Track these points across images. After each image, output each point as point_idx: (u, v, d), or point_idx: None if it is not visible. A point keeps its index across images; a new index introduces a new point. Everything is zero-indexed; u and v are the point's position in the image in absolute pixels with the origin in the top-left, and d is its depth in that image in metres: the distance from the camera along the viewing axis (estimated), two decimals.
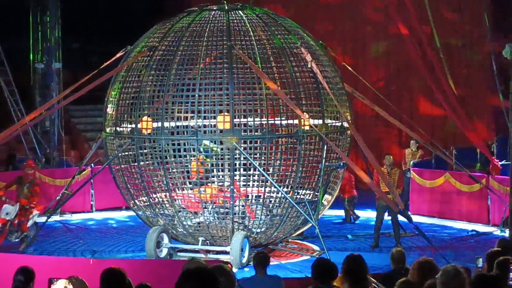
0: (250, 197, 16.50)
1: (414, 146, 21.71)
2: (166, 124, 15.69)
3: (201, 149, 15.92)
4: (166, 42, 16.29)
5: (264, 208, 16.05)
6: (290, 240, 17.66)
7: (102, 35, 29.14)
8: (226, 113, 15.65)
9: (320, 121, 16.01)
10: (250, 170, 16.34)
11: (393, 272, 9.71)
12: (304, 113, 15.72)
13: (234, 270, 13.84)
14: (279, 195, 16.02)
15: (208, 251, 16.06)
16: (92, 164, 20.85)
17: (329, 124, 16.24)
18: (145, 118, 16.04)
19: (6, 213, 17.07)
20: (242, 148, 15.58)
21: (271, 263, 10.80)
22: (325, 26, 26.39)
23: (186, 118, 15.80)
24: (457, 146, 22.85)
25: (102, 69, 17.15)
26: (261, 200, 16.08)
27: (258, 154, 16.17)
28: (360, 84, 19.93)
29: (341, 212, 21.00)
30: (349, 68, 18.63)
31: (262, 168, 15.72)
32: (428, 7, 20.39)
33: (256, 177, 16.45)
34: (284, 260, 16.38)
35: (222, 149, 15.85)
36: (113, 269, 6.63)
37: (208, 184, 16.10)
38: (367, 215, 20.66)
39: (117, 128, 16.33)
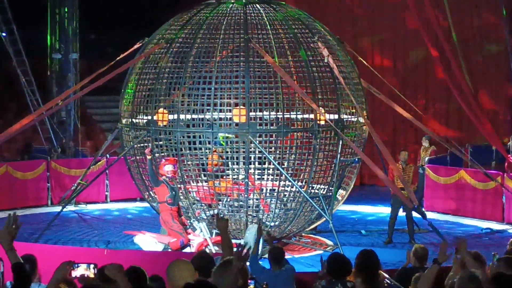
0: (264, 191, 16.53)
1: (426, 142, 21.61)
2: (182, 116, 15.72)
3: (217, 141, 15.95)
4: (183, 35, 16.31)
5: (278, 201, 16.06)
6: (303, 234, 17.67)
7: (119, 26, 29.20)
8: (242, 107, 15.66)
9: (336, 116, 15.99)
10: (265, 163, 16.37)
11: (412, 269, 9.53)
12: (320, 108, 15.71)
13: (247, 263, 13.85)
14: (294, 189, 16.03)
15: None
16: (108, 155, 20.98)
17: (344, 119, 16.23)
18: (161, 110, 16.07)
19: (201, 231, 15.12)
20: (257, 141, 15.59)
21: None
22: (341, 18, 26.32)
23: (202, 111, 15.83)
24: (472, 143, 22.78)
25: (119, 60, 17.20)
26: (275, 194, 16.10)
27: (273, 148, 16.19)
28: (376, 79, 19.89)
29: (354, 207, 21.04)
30: (366, 64, 18.60)
31: (277, 162, 15.73)
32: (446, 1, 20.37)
33: (270, 171, 16.48)
34: (297, 254, 16.39)
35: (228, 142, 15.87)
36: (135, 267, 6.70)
37: (223, 177, 16.13)
38: (382, 211, 20.63)
39: (133, 120, 16.37)
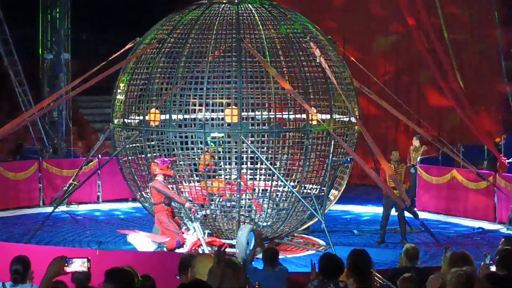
0: (257, 191, 16.52)
1: (417, 141, 21.59)
2: (174, 116, 15.70)
3: (209, 142, 15.94)
4: (175, 35, 16.30)
5: (270, 201, 16.06)
6: (296, 234, 17.67)
7: (111, 26, 29.16)
8: (234, 107, 15.66)
9: (328, 116, 16.01)
10: (257, 163, 16.37)
11: (403, 269, 9.52)
12: (312, 108, 15.72)
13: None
14: (286, 189, 16.03)
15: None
16: (99, 155, 20.93)
17: (337, 119, 16.24)
18: (153, 110, 16.06)
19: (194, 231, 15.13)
20: (249, 141, 15.59)
21: None
22: (332, 19, 26.35)
23: (194, 111, 15.82)
24: (464, 143, 22.80)
25: (111, 60, 17.19)
26: (268, 194, 16.10)
27: (265, 148, 16.20)
28: (368, 79, 19.89)
29: (347, 207, 21.06)
30: (357, 63, 18.61)
31: (269, 162, 15.73)
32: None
33: (263, 171, 16.48)
34: (290, 254, 16.39)
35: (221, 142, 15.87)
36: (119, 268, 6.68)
37: (215, 177, 16.12)
38: (374, 210, 20.65)
39: (125, 120, 16.36)
